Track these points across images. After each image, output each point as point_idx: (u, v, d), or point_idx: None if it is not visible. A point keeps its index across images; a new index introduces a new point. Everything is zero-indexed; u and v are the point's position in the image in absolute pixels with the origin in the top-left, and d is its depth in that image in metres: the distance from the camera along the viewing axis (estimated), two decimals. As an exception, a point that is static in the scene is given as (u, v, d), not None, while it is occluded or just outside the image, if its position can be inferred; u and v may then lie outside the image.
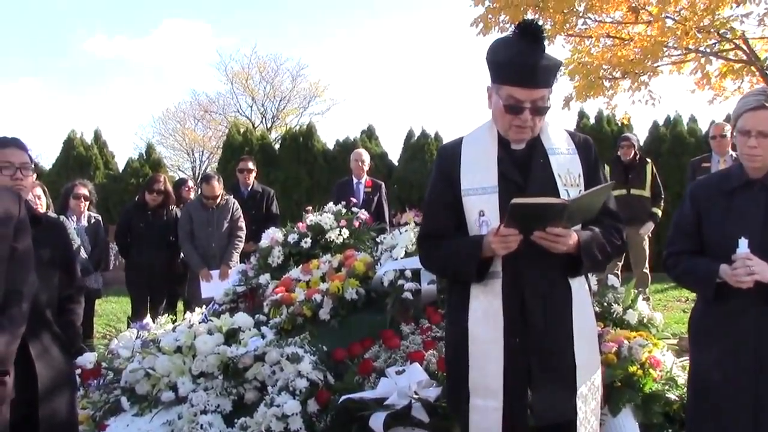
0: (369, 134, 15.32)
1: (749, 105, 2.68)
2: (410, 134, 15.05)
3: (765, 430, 2.62)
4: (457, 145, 2.72)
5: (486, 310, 2.56)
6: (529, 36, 2.54)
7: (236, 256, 7.21)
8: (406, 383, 3.35)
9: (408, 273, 4.07)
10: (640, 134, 13.50)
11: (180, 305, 8.03)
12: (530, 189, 2.53)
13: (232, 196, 7.50)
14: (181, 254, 7.40)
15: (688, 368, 3.01)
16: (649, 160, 8.77)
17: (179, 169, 32.52)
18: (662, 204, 8.64)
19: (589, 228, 2.61)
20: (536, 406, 2.54)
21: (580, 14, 8.66)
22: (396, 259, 4.20)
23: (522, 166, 2.61)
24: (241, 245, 7.30)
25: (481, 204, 2.58)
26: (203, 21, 48.42)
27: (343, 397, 3.39)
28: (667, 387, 3.52)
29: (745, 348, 2.65)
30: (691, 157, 8.74)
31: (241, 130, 15.92)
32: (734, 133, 2.75)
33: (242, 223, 7.36)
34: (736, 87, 9.10)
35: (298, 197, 13.78)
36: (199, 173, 32.55)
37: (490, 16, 8.68)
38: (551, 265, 2.53)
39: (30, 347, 2.83)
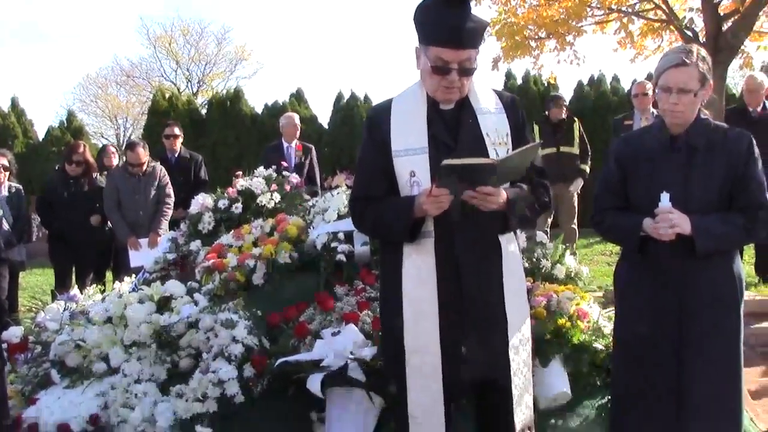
0: (298, 97, 15.16)
1: (670, 62, 2.75)
2: (339, 97, 14.95)
3: (687, 378, 2.75)
4: (386, 106, 2.73)
5: (419, 269, 2.59)
6: None
7: (165, 224, 7.08)
8: (341, 344, 3.37)
9: (341, 235, 4.07)
10: (565, 93, 13.71)
11: (108, 275, 7.87)
12: (460, 149, 2.56)
13: (158, 163, 7.34)
14: (108, 223, 7.23)
15: (613, 319, 3.13)
16: (576, 118, 8.95)
17: (102, 137, 31.66)
18: (590, 161, 8.84)
19: (517, 185, 2.66)
20: (471, 361, 2.60)
21: (507, -26, 8.72)
22: (328, 222, 4.20)
23: (451, 126, 2.64)
24: (170, 212, 7.18)
25: (411, 165, 2.60)
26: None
27: (279, 361, 3.39)
28: (594, 338, 3.64)
29: (668, 298, 2.76)
30: (614, 115, 8.95)
31: (167, 95, 15.50)
32: (656, 90, 2.83)
33: (170, 190, 7.22)
34: (656, 46, 9.35)
35: (226, 162, 13.57)
36: (123, 140, 31.70)
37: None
38: (481, 223, 2.57)
39: (-49, 323, 2.75)
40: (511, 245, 2.70)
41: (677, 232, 2.65)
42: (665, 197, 2.68)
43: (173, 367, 3.77)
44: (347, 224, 4.11)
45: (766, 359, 5.11)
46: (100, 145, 13.66)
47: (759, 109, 7.16)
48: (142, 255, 6.62)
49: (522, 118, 2.77)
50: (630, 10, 8.38)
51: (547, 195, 2.77)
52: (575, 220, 8.87)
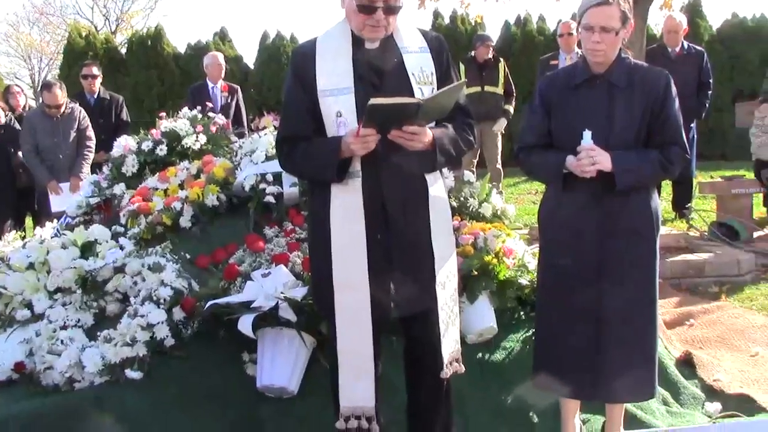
0: (222, 37, 14.77)
1: (593, 1, 2.79)
2: (265, 36, 14.62)
3: (606, 307, 2.87)
4: (311, 46, 2.70)
5: (347, 209, 2.61)
6: None
7: (86, 167, 6.88)
8: (272, 285, 3.37)
9: (269, 177, 4.04)
10: (492, 34, 13.76)
11: (28, 221, 7.64)
12: (385, 88, 2.58)
13: (77, 104, 7.08)
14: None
15: (538, 254, 3.22)
16: (501, 59, 9.00)
17: (16, 77, 30.24)
18: (514, 101, 8.94)
19: (442, 125, 2.69)
20: (399, 297, 2.66)
21: None
22: (256, 164, 4.15)
23: (376, 65, 2.64)
24: (91, 155, 6.97)
25: (337, 105, 2.60)
26: None
27: (209, 303, 3.38)
28: (519, 273, 3.74)
29: (588, 230, 2.86)
30: (540, 56, 9.04)
31: (83, 34, 14.85)
32: (579, 29, 2.87)
33: (91, 132, 6.99)
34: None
35: (149, 103, 13.20)
36: (38, 81, 30.38)
37: None
38: (408, 162, 2.59)
39: None
40: (437, 183, 2.75)
41: (598, 168, 2.73)
42: (587, 135, 2.75)
43: (100, 313, 3.72)
44: (275, 165, 4.07)
45: (680, 291, 5.37)
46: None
47: (678, 49, 7.35)
48: (64, 199, 6.44)
49: (447, 57, 2.79)
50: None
51: (471, 134, 2.81)
52: (500, 160, 9.00)
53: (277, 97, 12.88)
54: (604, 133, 2.79)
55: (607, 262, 2.87)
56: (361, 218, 2.59)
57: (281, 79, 13.71)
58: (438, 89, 2.64)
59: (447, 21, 14.60)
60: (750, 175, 7.50)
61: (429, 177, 2.68)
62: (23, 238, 4.84)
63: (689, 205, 7.58)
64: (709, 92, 7.46)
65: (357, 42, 2.65)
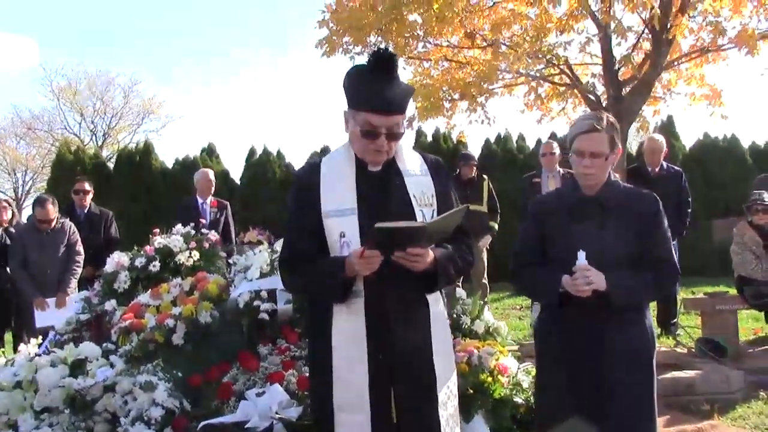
0: (210, 152, 15.03)
1: (583, 128, 2.93)
2: (252, 152, 14.91)
3: (608, 425, 2.86)
4: (315, 167, 2.78)
5: (349, 328, 2.62)
6: (384, 64, 2.64)
7: (74, 282, 6.84)
8: (266, 405, 3.34)
9: (264, 294, 4.05)
10: (473, 151, 14.15)
11: (7, 336, 7.51)
12: (388, 210, 2.62)
13: (68, 219, 7.12)
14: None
15: (534, 372, 3.22)
16: (485, 177, 9.24)
17: (-1, 191, 30.40)
18: (498, 218, 9.10)
19: (442, 245, 2.74)
20: (401, 418, 2.62)
21: (420, 38, 9.02)
22: (251, 280, 4.17)
23: (379, 187, 2.71)
24: (80, 270, 6.94)
25: (341, 225, 2.65)
26: (28, 35, 45.66)
27: (203, 423, 3.32)
28: (514, 392, 3.73)
29: (586, 351, 2.88)
30: (521, 173, 9.27)
31: (72, 149, 15.07)
32: (570, 154, 3.00)
33: (80, 247, 7.00)
34: (560, 108, 9.83)
35: (136, 218, 13.24)
36: (22, 193, 30.54)
37: (334, 37, 8.84)
38: (410, 283, 2.63)
39: None
40: (438, 303, 2.77)
41: (594, 288, 2.79)
42: (581, 255, 2.82)
43: (88, 433, 3.63)
44: (270, 282, 4.11)
45: (670, 408, 5.32)
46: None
47: (657, 168, 7.60)
48: (49, 315, 6.37)
49: (446, 178, 2.88)
50: (537, 74, 8.83)
51: (470, 253, 2.86)
52: (486, 275, 9.07)
53: (264, 213, 13.02)
54: (597, 253, 2.85)
55: (604, 384, 2.87)
56: (363, 339, 2.60)
57: (267, 194, 13.93)
58: (438, 211, 2.71)
59: (429, 138, 15.01)
60: (732, 291, 7.59)
61: (430, 297, 2.71)
62: (4, 354, 4.76)
63: (674, 321, 7.63)
64: (689, 210, 7.67)
65: (360, 164, 2.73)
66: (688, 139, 15.72)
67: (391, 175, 2.73)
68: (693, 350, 6.69)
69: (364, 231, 2.58)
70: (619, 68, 8.65)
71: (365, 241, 2.51)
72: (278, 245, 4.49)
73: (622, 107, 8.44)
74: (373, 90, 2.59)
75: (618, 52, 8.92)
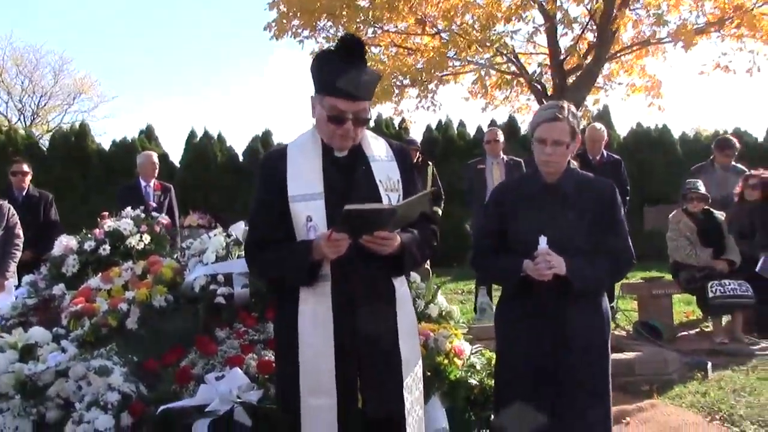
0: (148, 135, 14.74)
1: (545, 117, 3.01)
2: (192, 135, 14.69)
3: (563, 405, 2.96)
4: (281, 152, 2.79)
5: (316, 312, 2.64)
6: (351, 50, 2.66)
7: (13, 266, 6.63)
8: (227, 388, 3.33)
9: (220, 277, 4.03)
10: (415, 137, 14.24)
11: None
12: (354, 195, 2.65)
13: (6, 201, 6.90)
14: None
15: (495, 357, 3.31)
16: (430, 163, 9.31)
17: None
18: (442, 204, 9.19)
19: (408, 230, 2.78)
20: (367, 401, 2.67)
21: (371, 23, 9.02)
22: (206, 264, 4.15)
23: (346, 172, 2.73)
24: (19, 254, 6.73)
25: (308, 210, 2.66)
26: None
27: (162, 407, 3.30)
28: (469, 374, 3.81)
29: (547, 333, 2.98)
30: (460, 159, 9.36)
31: (3, 129, 14.58)
32: (533, 142, 3.08)
33: (19, 230, 6.78)
34: (503, 96, 10.00)
35: (71, 201, 12.91)
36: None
37: (284, 20, 8.77)
38: (376, 266, 2.67)
39: None
40: (403, 287, 2.82)
41: (555, 272, 2.88)
42: (543, 240, 2.91)
43: (39, 419, 3.56)
44: (226, 266, 4.09)
45: (619, 389, 5.52)
46: None
47: (598, 157, 7.81)
48: (-12, 299, 6.18)
49: (410, 164, 2.92)
50: (485, 63, 8.95)
51: (435, 238, 2.92)
52: (428, 260, 9.13)
53: (204, 196, 12.87)
54: (557, 238, 2.95)
55: (563, 364, 2.98)
56: (329, 322, 2.62)
57: (208, 178, 13.76)
58: (403, 196, 2.75)
59: (372, 124, 15.03)
60: (668, 277, 7.88)
61: (396, 281, 2.76)
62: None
63: (612, 304, 7.88)
64: (627, 198, 7.91)
65: (326, 150, 2.74)
66: (621, 129, 16.14)
67: (357, 160, 2.76)
68: (631, 333, 6.94)
69: (330, 215, 2.61)
70: (564, 58, 8.84)
71: (334, 223, 2.54)
72: (233, 229, 4.47)
73: (566, 96, 8.64)
74: (341, 76, 2.60)
75: (563, 42, 9.15)
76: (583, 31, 9.19)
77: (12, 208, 6.87)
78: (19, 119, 30.77)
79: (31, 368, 3.67)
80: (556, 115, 2.98)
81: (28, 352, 3.82)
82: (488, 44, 8.29)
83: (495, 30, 8.48)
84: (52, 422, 3.54)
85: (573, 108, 3.09)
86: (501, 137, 8.40)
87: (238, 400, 3.26)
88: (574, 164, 3.19)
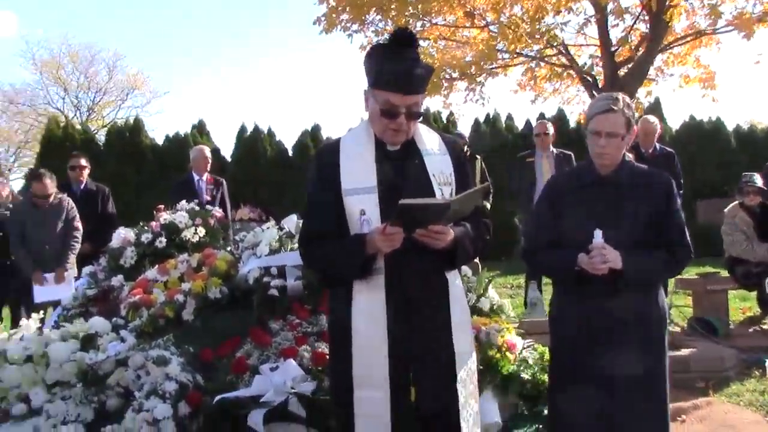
0: (200, 129, 14.98)
1: (600, 109, 2.98)
2: (243, 129, 14.89)
3: (617, 401, 2.93)
4: (335, 146, 2.80)
5: (369, 305, 2.65)
6: (403, 44, 2.67)
7: (72, 258, 6.84)
8: (281, 379, 3.38)
9: (273, 270, 4.09)
10: (463, 131, 14.18)
11: (5, 311, 7.51)
12: (407, 188, 2.65)
13: (65, 195, 7.10)
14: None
15: (548, 351, 3.29)
16: (478, 156, 9.27)
17: (-19, 165, 30.09)
18: (490, 198, 9.14)
19: (461, 224, 2.78)
20: (420, 395, 2.67)
21: (420, 16, 9.01)
22: (260, 257, 4.21)
23: (398, 166, 2.74)
24: (78, 246, 6.94)
25: (361, 203, 2.67)
26: (8, 9, 45.04)
27: (218, 397, 3.36)
28: (521, 368, 3.80)
29: (602, 328, 2.95)
30: (509, 152, 9.29)
31: (61, 124, 14.96)
32: (587, 134, 3.05)
33: (78, 223, 6.99)
34: (553, 89, 9.89)
35: (126, 195, 13.20)
36: (5, 169, 30.19)
37: (333, 15, 8.83)
38: (429, 260, 2.67)
39: None
40: (457, 281, 2.82)
41: (610, 266, 2.85)
42: (598, 234, 2.88)
43: (100, 407, 3.66)
44: (279, 259, 4.14)
45: (673, 386, 5.44)
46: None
47: (651, 150, 7.68)
48: (48, 290, 6.40)
49: (463, 158, 2.92)
50: (535, 55, 8.88)
51: (488, 233, 2.91)
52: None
53: (254, 190, 13.02)
54: (613, 232, 2.91)
55: (618, 361, 2.94)
56: (382, 314, 2.63)
57: (258, 172, 13.93)
58: (456, 190, 2.75)
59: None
60: (723, 272, 7.73)
61: (449, 275, 2.75)
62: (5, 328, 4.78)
63: (666, 300, 7.75)
64: (681, 191, 7.75)
65: (379, 143, 2.75)
66: (673, 122, 15.84)
67: (410, 154, 2.76)
68: (685, 329, 6.82)
69: (383, 209, 2.62)
70: (615, 50, 8.71)
71: (388, 217, 2.55)
72: (285, 222, 4.53)
73: (618, 88, 8.50)
74: (394, 69, 2.61)
75: (615, 33, 9.01)
76: (635, 22, 9.03)
77: (71, 201, 7.06)
78: (76, 115, 31.53)
79: (92, 357, 3.77)
80: (610, 107, 2.95)
81: (88, 342, 3.92)
82: (538, 36, 8.21)
83: (545, 22, 8.40)
84: (113, 410, 3.63)
85: (628, 99, 3.05)
86: (551, 130, 8.32)
87: (293, 391, 3.30)
88: (630, 156, 3.14)
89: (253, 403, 3.32)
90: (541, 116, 14.03)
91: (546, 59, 8.97)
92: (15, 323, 6.07)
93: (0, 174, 10.11)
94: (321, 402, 3.27)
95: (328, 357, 3.04)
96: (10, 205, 7.27)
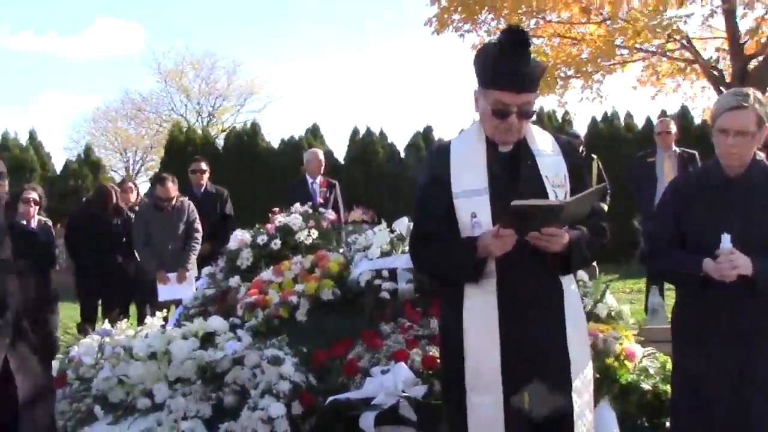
0: (314, 132, 15.31)
1: (728, 105, 2.80)
2: (355, 132, 15.10)
3: (751, 417, 2.75)
4: (445, 148, 2.77)
5: (481, 309, 2.60)
6: (516, 41, 2.60)
7: (193, 258, 7.12)
8: (392, 382, 3.37)
9: (385, 273, 4.10)
10: (579, 130, 13.84)
11: (131, 309, 7.89)
12: (519, 190, 2.59)
13: (186, 198, 7.40)
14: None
15: (670, 361, 3.13)
16: (594, 156, 9.00)
17: (112, 170, 31.82)
18: (608, 199, 8.86)
19: (576, 227, 2.68)
20: (533, 401, 2.60)
21: (533, 14, 8.86)
22: (371, 259, 4.23)
23: (510, 167, 2.67)
24: (198, 247, 7.22)
25: (472, 206, 2.63)
26: (137, 22, 47.67)
27: (330, 398, 3.40)
28: (641, 377, 3.64)
29: (729, 338, 2.78)
30: (628, 152, 8.97)
31: (183, 129, 15.67)
32: (713, 132, 2.88)
33: (198, 225, 7.27)
34: (676, 84, 9.48)
35: (243, 197, 13.64)
36: (133, 173, 31.86)
37: (444, 15, 8.81)
38: (543, 264, 2.60)
39: (9, 358, 2.77)
40: (572, 285, 2.72)
41: (739, 272, 2.68)
42: (726, 238, 2.71)
43: (218, 404, 3.77)
44: (391, 262, 4.15)
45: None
46: (110, 177, 13.78)
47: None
48: (171, 289, 6.69)
49: (579, 159, 2.82)
50: (656, 50, 8.54)
51: (605, 237, 2.80)
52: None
53: (367, 192, 13.17)
54: (741, 236, 2.74)
55: (748, 370, 2.77)
56: (495, 320, 2.58)
57: (371, 174, 14.08)
58: (571, 192, 2.66)
59: (533, 117, 14.75)
60: None
61: (564, 279, 2.67)
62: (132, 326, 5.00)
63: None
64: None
65: (490, 144, 2.70)
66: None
67: (522, 154, 2.69)
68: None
69: (495, 211, 2.56)
70: (744, 42, 8.23)
71: (500, 219, 2.49)
72: (396, 225, 4.53)
73: (748, 83, 8.04)
74: (506, 68, 2.55)
75: (744, 25, 8.52)
76: (767, 12, 8.50)
77: (192, 204, 7.36)
78: (197, 120, 32.88)
79: (210, 355, 3.89)
80: (740, 103, 2.77)
81: (207, 340, 4.05)
82: (659, 30, 7.87)
83: (666, 15, 8.04)
84: (229, 408, 3.73)
85: (759, 95, 2.85)
86: (673, 128, 7.96)
87: (404, 394, 3.29)
88: (761, 156, 2.94)
89: (365, 405, 3.33)
90: (663, 113, 13.47)
91: (668, 54, 8.60)
92: (141, 321, 6.37)
93: (128, 179, 10.68)
94: (432, 406, 3.24)
95: (439, 361, 3.00)
96: (136, 209, 7.65)
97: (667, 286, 6.85)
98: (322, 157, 8.38)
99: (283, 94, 56.60)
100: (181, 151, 14.11)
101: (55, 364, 4.39)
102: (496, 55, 2.60)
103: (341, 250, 4.70)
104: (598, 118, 14.92)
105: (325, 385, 3.61)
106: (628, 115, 15.09)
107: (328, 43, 51.46)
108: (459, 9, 8.58)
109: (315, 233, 4.96)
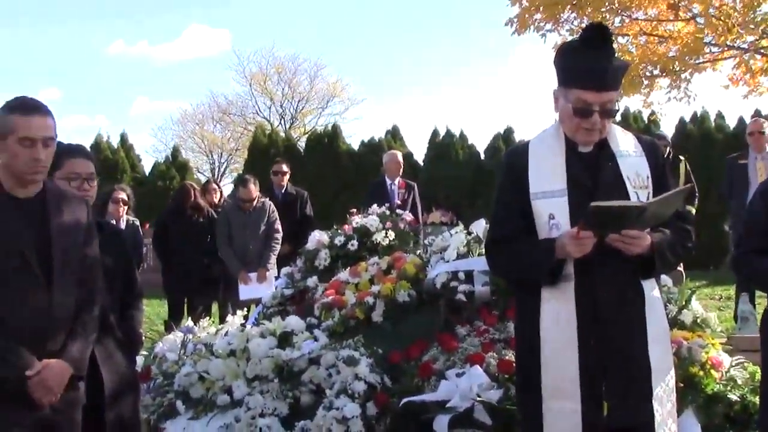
0: (394, 134, 15.37)
1: None
2: (435, 134, 15.08)
3: None
4: (524, 148, 2.72)
5: (559, 313, 2.54)
6: (598, 39, 2.54)
7: (273, 258, 7.25)
8: (467, 385, 3.34)
9: (461, 275, 4.07)
10: (666, 131, 13.44)
11: (214, 307, 8.09)
12: (600, 191, 2.52)
13: (268, 199, 7.53)
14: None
15: (759, 371, 2.99)
16: (682, 158, 8.71)
17: (198, 171, 32.70)
18: (696, 202, 8.55)
19: (659, 229, 2.59)
20: (612, 409, 2.52)
21: (618, 11, 8.66)
22: (448, 261, 4.20)
23: (590, 168, 2.61)
24: (278, 247, 7.34)
25: (550, 207, 2.57)
26: (224, 28, 49.05)
27: (405, 400, 3.40)
28: (728, 388, 3.49)
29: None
30: (719, 153, 8.65)
31: (267, 132, 15.99)
32: None
33: (278, 226, 7.39)
34: (770, 82, 9.08)
35: (324, 198, 13.82)
36: (218, 174, 32.70)
37: (525, 15, 8.70)
38: (623, 267, 2.52)
39: (96, 352, 2.87)
40: (654, 290, 2.63)
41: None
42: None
43: (294, 402, 3.82)
44: (467, 264, 4.11)
45: None
46: (197, 179, 14.16)
47: None
48: (252, 289, 6.82)
49: (662, 161, 2.73)
50: (748, 47, 8.19)
51: (690, 240, 2.70)
52: (681, 263, 8.55)
53: (446, 193, 13.12)
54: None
55: None
56: (573, 323, 2.51)
57: (450, 175, 14.03)
58: (654, 193, 2.57)
59: (618, 117, 14.41)
60: None
61: (645, 283, 2.57)
62: (213, 323, 5.12)
63: None
64: None
65: (570, 145, 2.63)
66: None
67: (602, 155, 2.62)
68: None
69: (574, 213, 2.50)
70: None
71: (579, 221, 2.42)
72: (474, 227, 4.49)
73: None
74: (587, 66, 2.49)
75: None
76: None
77: (273, 205, 7.49)
78: (280, 123, 33.46)
79: (288, 354, 3.95)
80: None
81: (285, 339, 4.11)
82: (752, 26, 7.54)
83: (760, 10, 7.70)
84: (305, 406, 3.77)
85: None
86: (766, 128, 7.62)
87: (478, 398, 3.26)
88: None
89: (439, 407, 3.31)
90: (757, 113, 12.91)
91: (762, 51, 8.22)
92: (222, 319, 6.52)
93: (212, 181, 10.98)
94: (507, 411, 3.20)
95: (515, 365, 2.95)
96: (219, 209, 7.84)
97: (758, 293, 6.56)
98: (400, 158, 8.39)
99: (365, 97, 57.03)
100: (264, 153, 14.39)
101: (140, 360, 4.55)
102: (577, 52, 2.56)
103: (418, 252, 4.68)
104: (687, 119, 14.45)
105: (400, 386, 3.61)
106: (719, 116, 14.55)
107: (407, 43, 51.46)
108: (541, 8, 8.45)
109: (392, 234, 4.96)
